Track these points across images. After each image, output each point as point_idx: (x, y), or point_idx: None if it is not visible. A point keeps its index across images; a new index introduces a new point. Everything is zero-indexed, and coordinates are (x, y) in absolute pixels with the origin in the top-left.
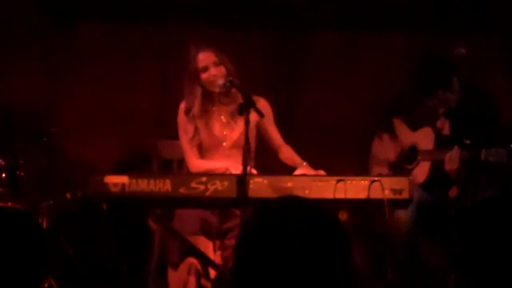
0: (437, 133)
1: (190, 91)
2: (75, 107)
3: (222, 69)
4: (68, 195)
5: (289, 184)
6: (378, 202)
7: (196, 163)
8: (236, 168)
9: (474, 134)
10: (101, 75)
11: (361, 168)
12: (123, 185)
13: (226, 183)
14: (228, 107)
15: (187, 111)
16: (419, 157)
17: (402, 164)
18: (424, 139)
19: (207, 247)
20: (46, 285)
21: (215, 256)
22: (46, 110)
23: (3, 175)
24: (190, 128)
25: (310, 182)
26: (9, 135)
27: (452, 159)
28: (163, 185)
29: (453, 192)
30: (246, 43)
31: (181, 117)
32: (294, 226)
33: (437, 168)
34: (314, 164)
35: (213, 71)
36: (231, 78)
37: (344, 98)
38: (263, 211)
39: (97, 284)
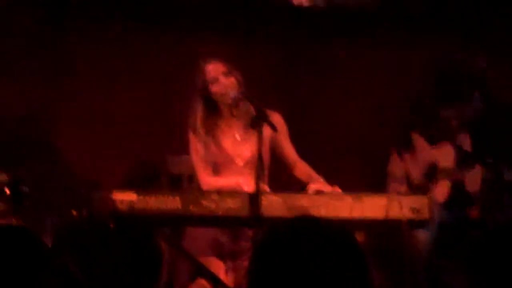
0: (458, 150)
1: (193, 109)
2: (82, 121)
3: (232, 80)
4: (74, 212)
5: (304, 203)
6: (397, 222)
7: (207, 181)
8: (248, 185)
9: (497, 152)
10: (107, 87)
11: (377, 185)
12: (131, 202)
13: (238, 201)
14: (240, 122)
15: (193, 130)
16: (439, 176)
17: (421, 182)
18: (444, 156)
19: (219, 268)
20: None
21: (227, 278)
22: (51, 123)
23: (6, 190)
24: (200, 148)
25: (326, 201)
26: (12, 149)
27: (473, 179)
28: (173, 203)
29: (474, 212)
30: (253, 55)
31: (190, 137)
32: (309, 248)
33: (458, 187)
34: (329, 180)
35: (223, 81)
36: (242, 90)
37: (360, 111)
38: (276, 232)
39: None
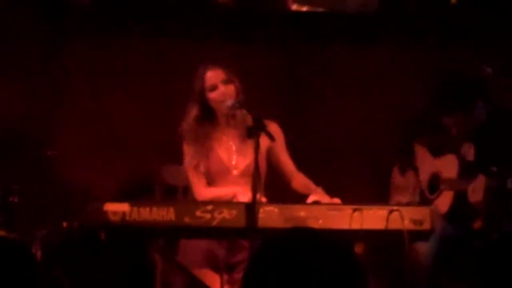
0: (461, 160)
1: (189, 113)
2: (72, 130)
3: (231, 88)
4: (65, 224)
5: (302, 213)
6: (397, 234)
7: (201, 191)
8: (244, 195)
9: (501, 161)
10: (100, 96)
11: (379, 196)
12: (124, 213)
13: (234, 212)
14: (236, 131)
15: (185, 135)
16: (442, 186)
17: (423, 193)
18: (447, 166)
19: (214, 281)
20: None
21: None
22: (42, 133)
23: None
24: (189, 154)
25: (325, 211)
26: (2, 159)
27: (476, 190)
28: (167, 214)
29: (477, 223)
30: (252, 60)
31: (183, 143)
32: (305, 261)
33: (460, 198)
34: (328, 191)
35: (222, 89)
36: (240, 98)
37: (361, 120)
38: (272, 244)
39: None
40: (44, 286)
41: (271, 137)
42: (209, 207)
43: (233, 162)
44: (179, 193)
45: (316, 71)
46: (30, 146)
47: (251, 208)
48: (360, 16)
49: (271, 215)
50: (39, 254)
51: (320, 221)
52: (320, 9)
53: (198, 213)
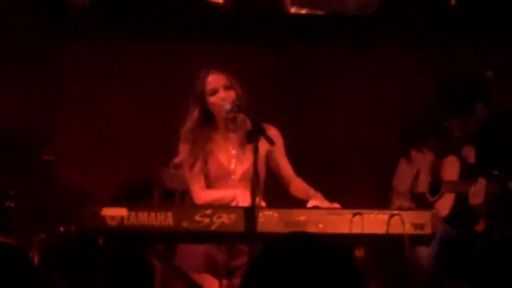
0: (463, 162)
1: (190, 115)
2: (70, 133)
3: (231, 94)
4: (62, 229)
5: (302, 218)
6: (398, 238)
7: (200, 195)
8: (244, 198)
9: (503, 164)
10: (99, 98)
11: (380, 200)
12: (122, 218)
13: (233, 216)
14: (235, 136)
15: (183, 137)
16: (443, 189)
17: (424, 196)
18: (449, 169)
19: (213, 286)
20: None
21: None
22: (39, 135)
23: None
24: (187, 155)
25: (325, 216)
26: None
27: (477, 193)
28: (165, 219)
29: (479, 226)
30: (252, 65)
31: (180, 144)
32: (304, 266)
33: (461, 201)
34: (328, 196)
35: (222, 94)
36: (238, 102)
37: (361, 122)
38: (271, 249)
39: None
40: None
41: (270, 141)
42: (208, 212)
43: (232, 166)
44: (177, 197)
45: (316, 73)
46: (27, 150)
47: (250, 213)
48: (359, 17)
49: (270, 219)
50: (37, 258)
51: (320, 226)
52: (319, 12)
53: (196, 217)
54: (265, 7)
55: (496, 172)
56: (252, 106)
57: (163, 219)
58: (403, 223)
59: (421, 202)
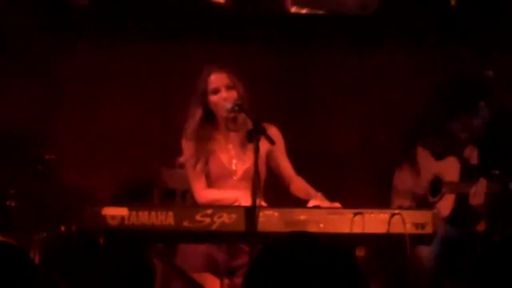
0: (463, 163)
1: (192, 114)
2: (71, 132)
3: (233, 94)
4: (63, 228)
5: (302, 217)
6: (399, 237)
7: (202, 193)
8: (246, 200)
9: (504, 164)
10: (99, 98)
11: (381, 200)
12: (122, 217)
13: (233, 216)
14: (236, 135)
15: (187, 135)
16: (443, 189)
17: (425, 196)
18: (449, 169)
19: (214, 285)
20: None
21: None
22: (40, 135)
23: None
24: (190, 154)
25: (325, 215)
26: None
27: (478, 193)
28: (166, 218)
29: (480, 226)
30: (252, 65)
31: (183, 142)
32: (305, 266)
33: (463, 201)
34: (329, 196)
35: (224, 94)
36: (239, 102)
37: (362, 123)
38: (272, 248)
39: None
40: None
41: (271, 141)
42: (209, 211)
43: (233, 166)
44: (177, 197)
45: (316, 72)
46: (28, 149)
47: (251, 212)
48: (359, 17)
49: (271, 219)
50: (37, 258)
51: (321, 225)
52: (320, 11)
53: (197, 217)
54: (266, 7)
55: (497, 172)
56: (252, 105)
57: (163, 218)
58: (404, 222)
59: (421, 202)
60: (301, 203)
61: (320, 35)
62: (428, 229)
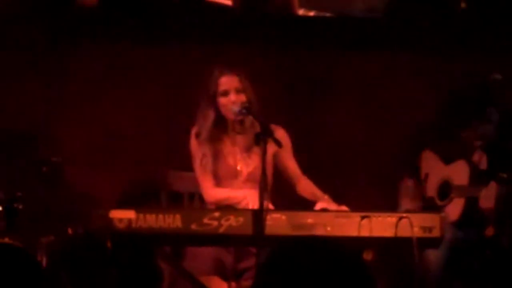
0: (472, 167)
1: (203, 115)
2: (77, 134)
3: (242, 97)
4: (70, 231)
5: (310, 221)
6: (407, 241)
7: (210, 192)
8: (254, 198)
9: None
10: (106, 101)
11: (388, 203)
12: (130, 220)
13: (241, 219)
14: (243, 137)
15: (198, 135)
16: (452, 193)
17: (434, 200)
18: (458, 173)
19: None
20: None
21: None
22: (46, 138)
23: (0, 208)
24: (200, 154)
25: (333, 219)
26: (6, 165)
27: (488, 196)
28: (173, 221)
29: (489, 231)
30: (259, 67)
31: (192, 143)
32: (313, 270)
33: (471, 205)
34: (335, 198)
35: (232, 97)
36: (247, 105)
37: (370, 126)
38: (280, 253)
39: None
40: None
41: (278, 144)
42: (216, 214)
43: (239, 168)
44: (185, 200)
45: (323, 75)
46: (35, 152)
47: (258, 215)
48: (367, 20)
49: (278, 222)
50: (44, 261)
51: (328, 228)
52: (327, 14)
53: (205, 220)
54: (273, 9)
55: (505, 175)
56: (260, 107)
57: (171, 221)
58: (411, 226)
59: (429, 206)
60: (307, 204)
61: (327, 37)
62: (436, 233)
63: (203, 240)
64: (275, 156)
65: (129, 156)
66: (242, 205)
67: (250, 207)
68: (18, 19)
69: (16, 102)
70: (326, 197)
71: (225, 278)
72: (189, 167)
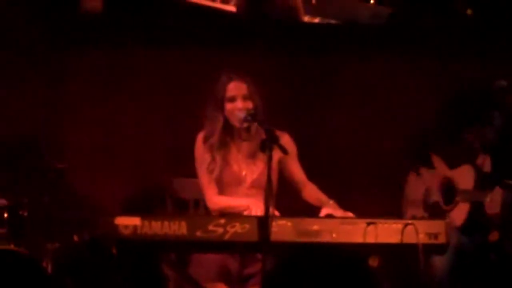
0: (478, 171)
1: (212, 119)
2: (83, 141)
3: (249, 104)
4: (75, 238)
5: (315, 227)
6: (412, 247)
7: (214, 199)
8: (257, 207)
9: None
10: (111, 107)
11: (393, 208)
12: (135, 227)
13: (246, 226)
14: (248, 144)
15: (206, 139)
16: (457, 198)
17: (438, 205)
18: (463, 177)
19: None
20: None
21: None
22: (52, 145)
23: (5, 214)
24: (208, 158)
25: (338, 225)
26: (12, 171)
27: (493, 202)
28: (178, 228)
29: (493, 236)
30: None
31: (199, 147)
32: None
33: (476, 210)
34: (341, 204)
35: (239, 104)
36: (252, 112)
37: (374, 131)
38: (286, 259)
39: None
40: None
41: (284, 151)
42: (222, 221)
43: (243, 174)
44: (190, 207)
45: (328, 81)
46: (40, 158)
47: (264, 222)
48: (372, 26)
49: (284, 228)
50: (50, 267)
51: (334, 235)
52: (332, 21)
53: (210, 227)
54: (279, 16)
55: (510, 182)
56: (266, 114)
57: (176, 228)
58: (417, 232)
59: (434, 211)
60: (313, 209)
61: (332, 44)
62: (441, 239)
63: (208, 247)
64: (280, 162)
65: (134, 163)
66: (245, 214)
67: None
68: (22, 25)
69: (20, 108)
70: (331, 202)
71: (231, 284)
72: (195, 174)
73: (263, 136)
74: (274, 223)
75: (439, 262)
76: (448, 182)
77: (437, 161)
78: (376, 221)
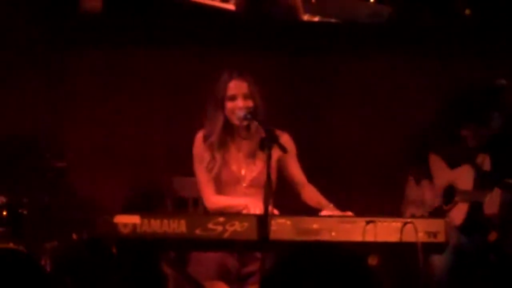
0: (477, 171)
1: (212, 118)
2: (82, 141)
3: (249, 103)
4: (74, 236)
5: (314, 226)
6: (411, 246)
7: (212, 199)
8: (255, 206)
9: None
10: (111, 106)
11: (392, 208)
12: (134, 225)
13: (246, 224)
14: (248, 143)
15: (206, 138)
16: (457, 198)
17: (438, 205)
18: (463, 177)
19: None
20: None
21: None
22: (51, 144)
23: (4, 213)
24: (207, 157)
25: (337, 224)
26: (11, 170)
27: (492, 202)
28: (178, 226)
29: (492, 236)
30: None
31: (198, 146)
32: (319, 275)
33: (476, 210)
34: (340, 204)
35: (240, 102)
36: (252, 110)
37: (374, 130)
38: (286, 258)
39: None
40: None
41: (283, 150)
42: (221, 220)
43: (242, 173)
44: (189, 205)
45: (328, 80)
46: (40, 157)
47: (263, 221)
48: (372, 25)
49: (283, 227)
50: (48, 266)
51: (333, 234)
52: (332, 20)
53: (209, 225)
54: (278, 15)
55: (510, 182)
56: (267, 113)
57: (176, 226)
58: (416, 231)
59: (433, 211)
60: (312, 208)
61: (332, 42)
62: (441, 238)
63: (207, 245)
64: (280, 161)
65: (134, 162)
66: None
67: None
68: (22, 25)
69: (20, 108)
70: (331, 206)
71: (230, 283)
72: (194, 173)
73: (263, 135)
74: (273, 222)
75: (438, 261)
76: (448, 183)
77: (436, 161)
78: (375, 220)
